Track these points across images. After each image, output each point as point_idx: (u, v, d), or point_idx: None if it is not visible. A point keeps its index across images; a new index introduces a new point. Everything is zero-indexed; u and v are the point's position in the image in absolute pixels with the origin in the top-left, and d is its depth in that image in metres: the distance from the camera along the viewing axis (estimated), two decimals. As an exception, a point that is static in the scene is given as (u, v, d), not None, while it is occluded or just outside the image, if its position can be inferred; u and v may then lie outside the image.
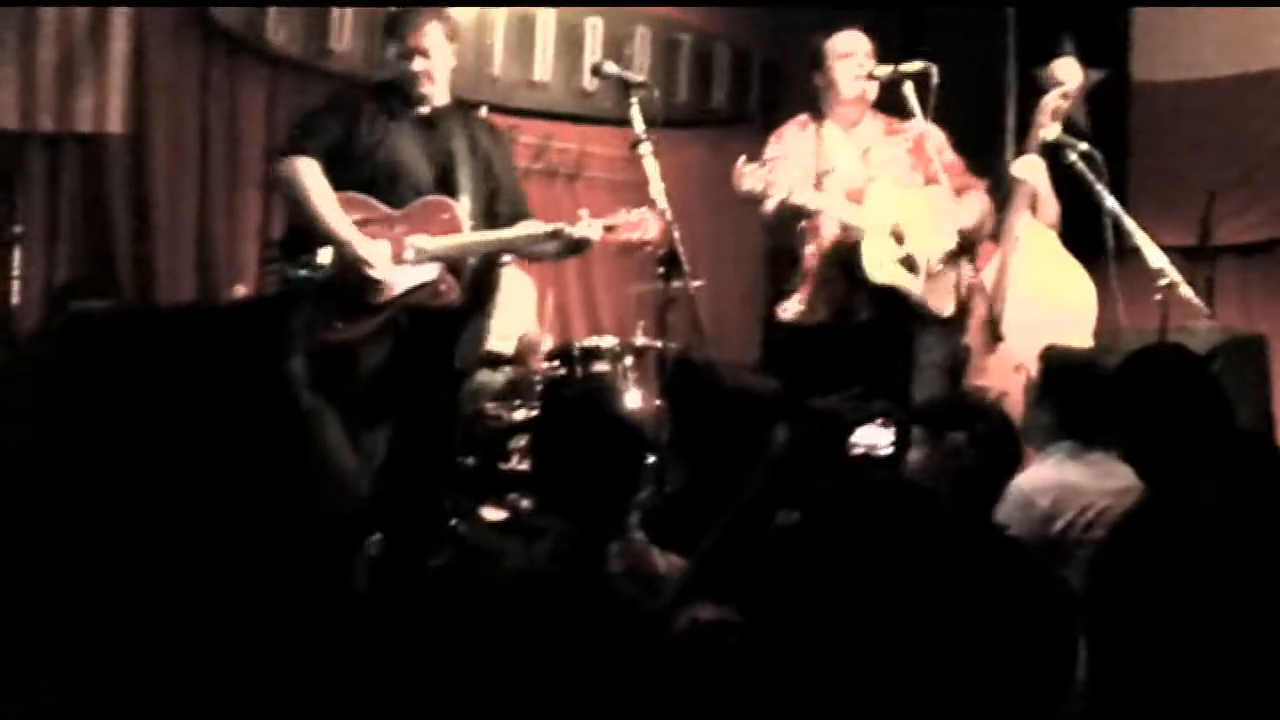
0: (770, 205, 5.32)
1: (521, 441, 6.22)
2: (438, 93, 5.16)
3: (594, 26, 8.29)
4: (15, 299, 6.36)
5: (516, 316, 7.31)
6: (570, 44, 8.24)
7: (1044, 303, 5.89)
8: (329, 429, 1.42)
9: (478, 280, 5.22)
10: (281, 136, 5.68)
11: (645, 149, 5.22)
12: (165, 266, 6.94)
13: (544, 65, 8.18)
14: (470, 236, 5.09)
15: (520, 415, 6.35)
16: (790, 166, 5.54)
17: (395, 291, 4.98)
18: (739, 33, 8.96)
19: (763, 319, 5.79)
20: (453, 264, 5.09)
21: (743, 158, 5.30)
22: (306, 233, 4.98)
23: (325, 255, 4.92)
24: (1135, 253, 5.56)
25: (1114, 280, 5.79)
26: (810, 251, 5.59)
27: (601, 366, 6.58)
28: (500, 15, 7.98)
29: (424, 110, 5.16)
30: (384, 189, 5.05)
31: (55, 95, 6.74)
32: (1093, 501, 3.87)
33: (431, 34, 5.10)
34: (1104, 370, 4.34)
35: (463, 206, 5.08)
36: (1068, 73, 5.95)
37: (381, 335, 4.99)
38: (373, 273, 4.92)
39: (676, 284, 5.47)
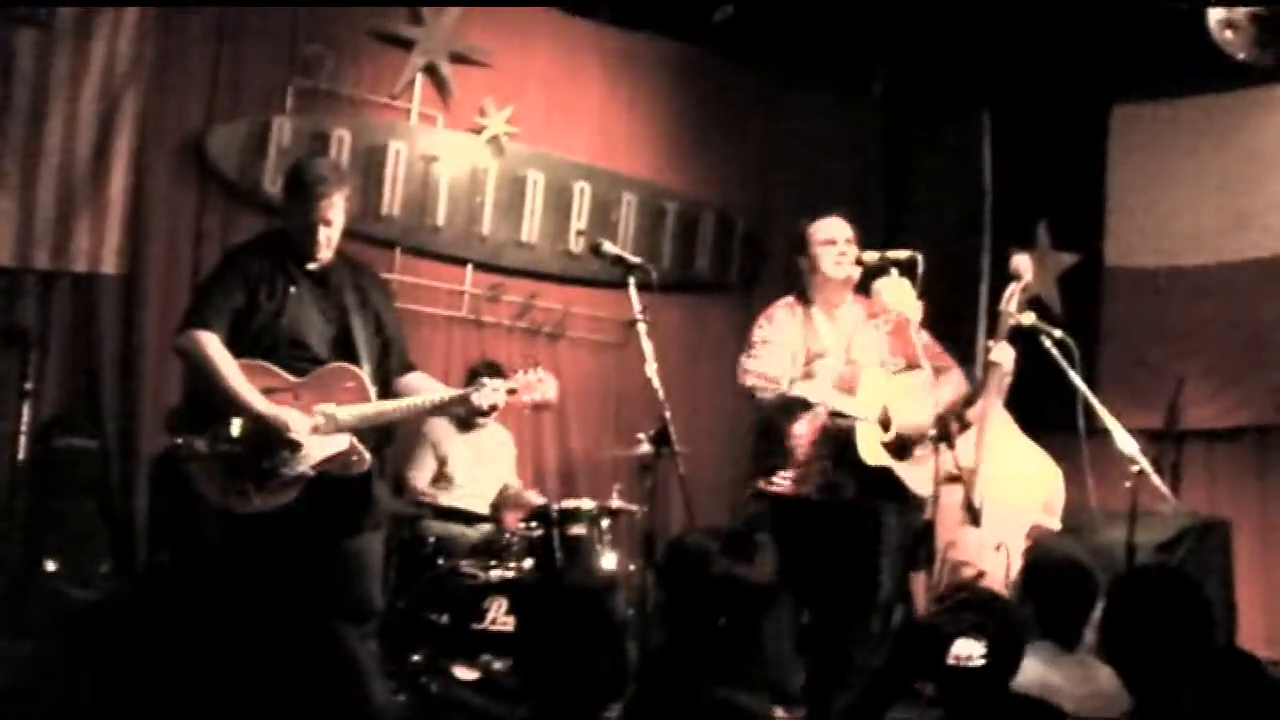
0: (769, 396, 5.41)
1: (496, 601, 6.20)
2: (328, 254, 5.18)
3: (582, 190, 8.46)
4: (22, 453, 6.35)
5: (492, 470, 7.37)
6: (558, 206, 8.41)
7: (1016, 483, 6.00)
8: (370, 674, 1.49)
9: (380, 442, 5.26)
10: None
11: (642, 328, 5.30)
12: (151, 408, 6.97)
13: (532, 226, 8.33)
14: (380, 405, 5.10)
15: (496, 575, 6.34)
16: (781, 350, 5.65)
17: (311, 461, 4.97)
18: (723, 200, 9.14)
19: (753, 491, 5.83)
20: (359, 431, 5.10)
21: (744, 358, 5.41)
22: (207, 403, 4.95)
23: (236, 427, 4.89)
24: (1105, 433, 5.69)
25: (1086, 462, 5.89)
26: (799, 431, 5.67)
27: (579, 529, 6.61)
28: (491, 176, 8.15)
29: (314, 266, 5.17)
30: (286, 355, 5.04)
31: (53, 233, 6.84)
32: (1068, 706, 3.90)
33: (336, 205, 5.12)
34: (1086, 572, 4.42)
35: (365, 371, 5.10)
36: (1024, 266, 6.11)
37: (298, 506, 4.95)
38: (295, 436, 4.91)
39: (658, 453, 5.54)
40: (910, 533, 5.80)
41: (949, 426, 5.44)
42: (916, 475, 5.64)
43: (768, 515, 5.67)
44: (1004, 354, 5.94)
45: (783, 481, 5.69)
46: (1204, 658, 3.21)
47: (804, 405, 5.46)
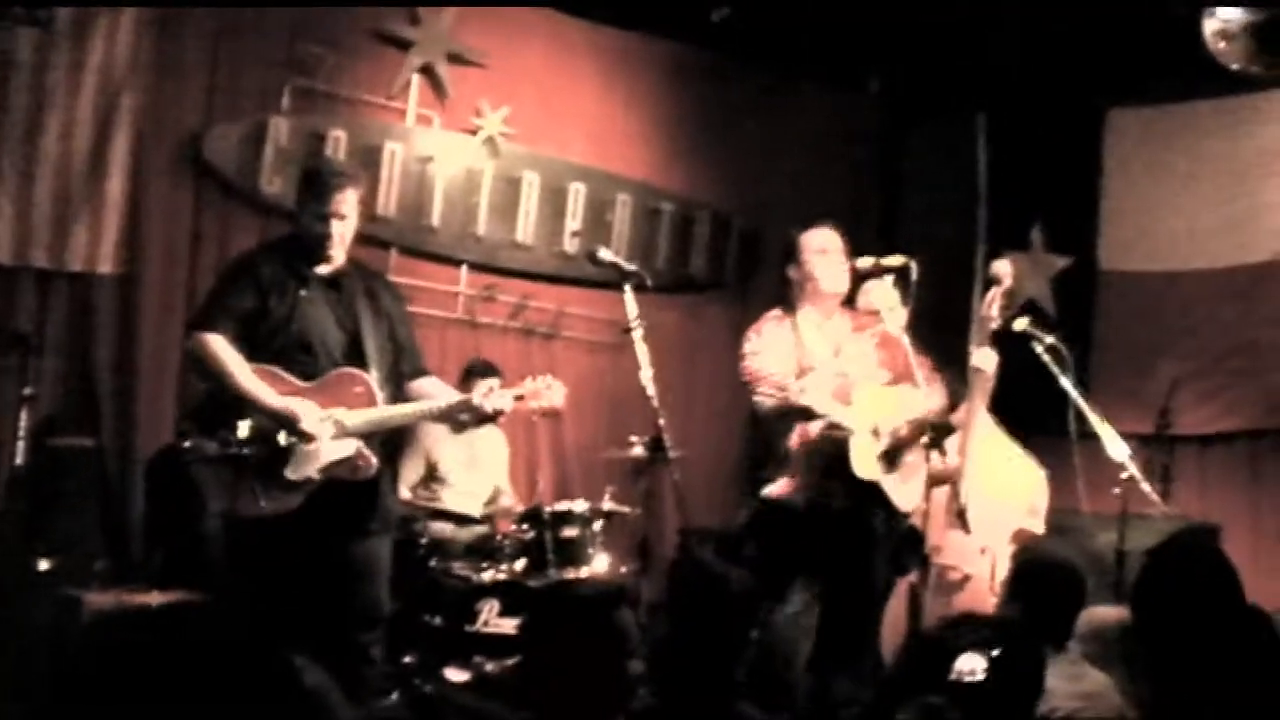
0: (770, 402, 5.44)
1: (488, 603, 6.23)
2: (340, 254, 5.23)
3: (577, 191, 8.48)
4: (20, 458, 6.37)
5: (485, 473, 7.39)
6: (554, 207, 8.42)
7: (1001, 487, 6.05)
8: (333, 707, 1.52)
9: (389, 447, 5.28)
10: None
11: (637, 335, 5.32)
12: (146, 407, 7.01)
13: (527, 226, 8.34)
14: (387, 411, 5.14)
15: (488, 576, 6.37)
16: (772, 361, 5.67)
17: (316, 467, 5.01)
18: (718, 200, 9.15)
19: (751, 498, 5.86)
20: (367, 436, 5.13)
21: (746, 361, 5.46)
22: (217, 405, 4.99)
23: (244, 429, 4.94)
24: (1097, 437, 5.73)
25: (1077, 466, 5.93)
26: (794, 441, 5.69)
27: (571, 531, 6.64)
28: (487, 177, 8.17)
29: (327, 270, 5.22)
30: (295, 359, 5.09)
31: (50, 233, 6.86)
32: (1061, 705, 3.93)
33: (349, 200, 5.18)
34: (1074, 573, 4.46)
35: (374, 377, 5.13)
36: (1004, 271, 6.13)
37: (304, 510, 4.99)
38: (306, 425, 4.95)
39: (652, 458, 5.57)
40: (895, 539, 5.84)
41: (940, 434, 5.46)
42: (903, 490, 5.66)
43: (762, 523, 5.70)
44: (986, 359, 5.97)
45: (778, 490, 5.71)
46: (1233, 622, 3.20)
47: (805, 415, 5.49)
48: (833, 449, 5.57)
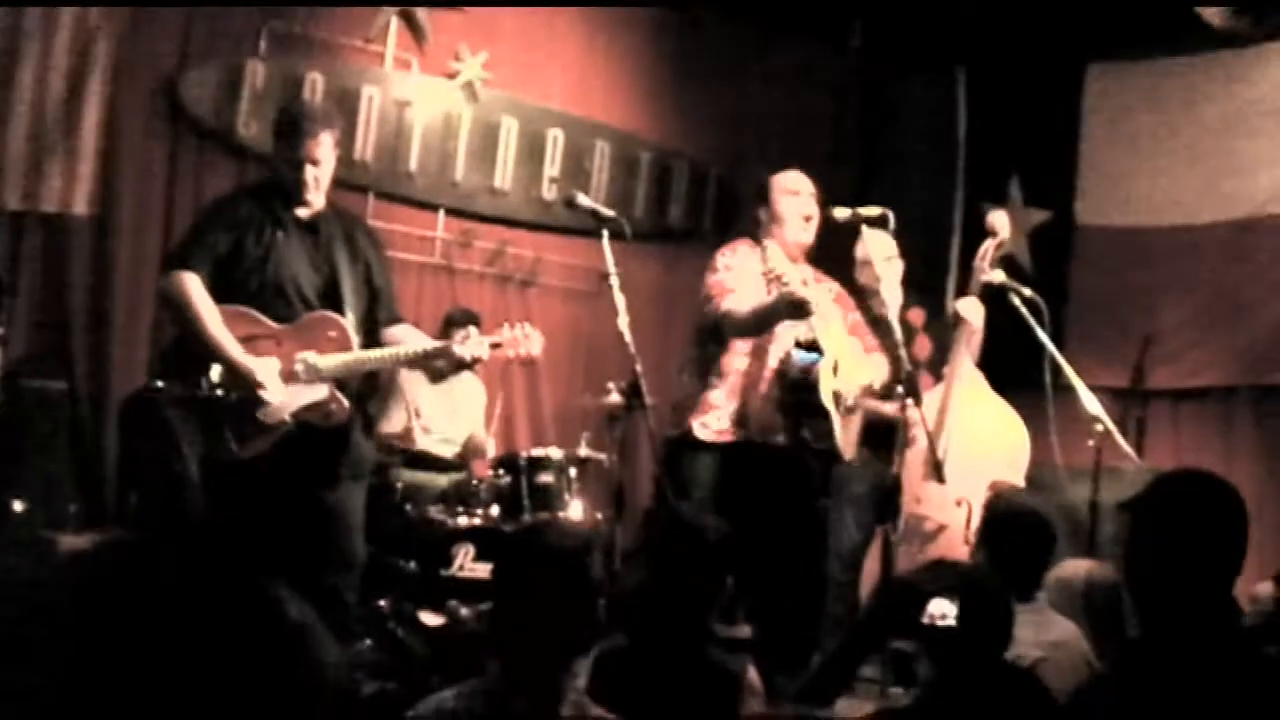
0: (742, 311, 5.41)
1: (463, 548, 6.24)
2: (318, 198, 5.21)
3: (555, 138, 8.45)
4: (-2, 396, 6.36)
5: (464, 420, 7.39)
6: (532, 154, 8.40)
7: (981, 439, 6.04)
8: (318, 640, 1.51)
9: (363, 392, 5.26)
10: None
11: (614, 282, 5.31)
12: (121, 350, 6.98)
13: (505, 173, 8.31)
14: (361, 355, 5.12)
15: (463, 521, 6.38)
16: (743, 275, 5.66)
17: (288, 411, 4.99)
18: (697, 150, 9.14)
19: (671, 435, 5.81)
20: (341, 380, 5.13)
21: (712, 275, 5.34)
22: (190, 348, 4.97)
23: (215, 373, 4.92)
24: (1071, 391, 5.75)
25: (1051, 419, 5.95)
26: (739, 367, 5.67)
27: (547, 477, 6.65)
28: (465, 122, 8.14)
29: (305, 213, 5.20)
30: (271, 301, 5.07)
31: (24, 174, 6.81)
32: (1027, 653, 3.95)
33: (324, 144, 5.15)
34: (1043, 522, 4.48)
35: (349, 321, 5.12)
36: (1000, 223, 6.14)
37: (276, 454, 4.98)
38: (265, 394, 4.94)
39: (629, 405, 5.57)
40: (882, 486, 5.84)
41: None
42: (846, 434, 5.68)
43: (696, 465, 5.65)
44: (972, 310, 5.98)
45: (715, 423, 5.67)
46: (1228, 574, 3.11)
47: (804, 313, 5.42)
48: (803, 375, 5.52)
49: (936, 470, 5.65)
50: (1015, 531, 4.46)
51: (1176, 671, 2.88)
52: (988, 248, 6.05)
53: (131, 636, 1.41)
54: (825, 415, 5.58)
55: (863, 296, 5.81)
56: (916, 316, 6.49)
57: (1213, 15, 6.83)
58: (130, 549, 1.51)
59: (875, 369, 5.80)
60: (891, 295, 6.22)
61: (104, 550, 1.53)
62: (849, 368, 5.67)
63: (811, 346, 5.54)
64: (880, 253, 5.65)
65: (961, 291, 6.27)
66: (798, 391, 5.57)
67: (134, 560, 1.49)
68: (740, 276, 5.69)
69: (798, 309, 5.33)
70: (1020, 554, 4.35)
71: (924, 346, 6.42)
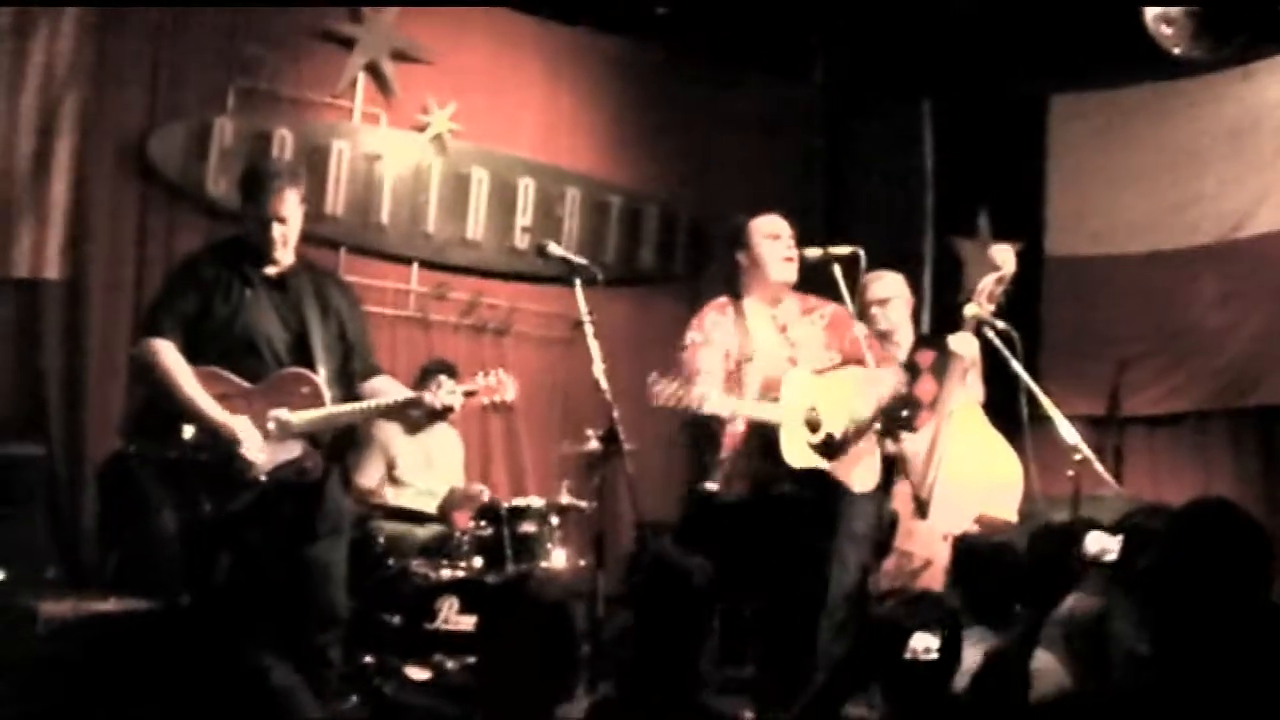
0: (686, 414, 5.40)
1: (447, 601, 6.21)
2: (286, 255, 5.19)
3: (526, 186, 8.47)
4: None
5: (441, 472, 7.36)
6: (503, 203, 8.41)
7: (973, 475, 6.05)
8: (301, 706, 1.51)
9: (338, 446, 5.24)
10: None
11: (589, 329, 5.30)
12: (95, 413, 6.93)
13: (477, 223, 8.33)
14: (333, 410, 5.10)
15: (447, 574, 6.34)
16: (712, 353, 5.62)
17: (263, 469, 4.96)
18: (667, 194, 9.16)
19: (685, 492, 5.83)
20: (314, 436, 5.11)
21: (654, 374, 5.28)
22: (162, 410, 4.93)
23: (188, 432, 4.89)
24: (1048, 420, 5.77)
25: (1029, 450, 5.97)
26: (732, 430, 5.65)
27: (529, 526, 6.63)
28: (435, 174, 8.15)
29: (273, 270, 5.18)
30: (240, 360, 5.04)
31: (-6, 238, 6.78)
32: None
33: (290, 201, 5.14)
34: (1012, 557, 4.49)
35: (321, 377, 5.10)
36: (1005, 258, 6.15)
37: (252, 513, 4.95)
38: (245, 451, 4.89)
39: (606, 451, 5.56)
40: (882, 522, 5.82)
41: (898, 417, 5.45)
42: (858, 473, 5.65)
43: (702, 517, 5.66)
44: (965, 345, 5.98)
45: (713, 485, 5.67)
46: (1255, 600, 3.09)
47: (721, 421, 5.45)
48: (765, 441, 5.50)
49: (919, 506, 5.66)
50: (985, 567, 4.47)
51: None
52: (988, 283, 6.05)
53: (115, 710, 1.40)
54: (790, 474, 5.55)
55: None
56: (925, 358, 6.48)
57: (1172, 42, 6.88)
58: (113, 621, 1.50)
59: (884, 383, 5.74)
60: (904, 336, 6.26)
61: (87, 622, 1.53)
62: (841, 399, 5.61)
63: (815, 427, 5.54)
64: (893, 292, 5.65)
65: (937, 326, 6.29)
66: (765, 455, 5.56)
67: (118, 633, 1.49)
68: (705, 353, 5.66)
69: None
70: (992, 589, 4.36)
71: (929, 388, 6.39)
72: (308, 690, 1.52)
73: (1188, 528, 3.13)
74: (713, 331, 5.70)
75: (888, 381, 5.75)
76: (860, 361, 5.62)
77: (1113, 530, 3.19)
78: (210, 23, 7.50)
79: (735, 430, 5.58)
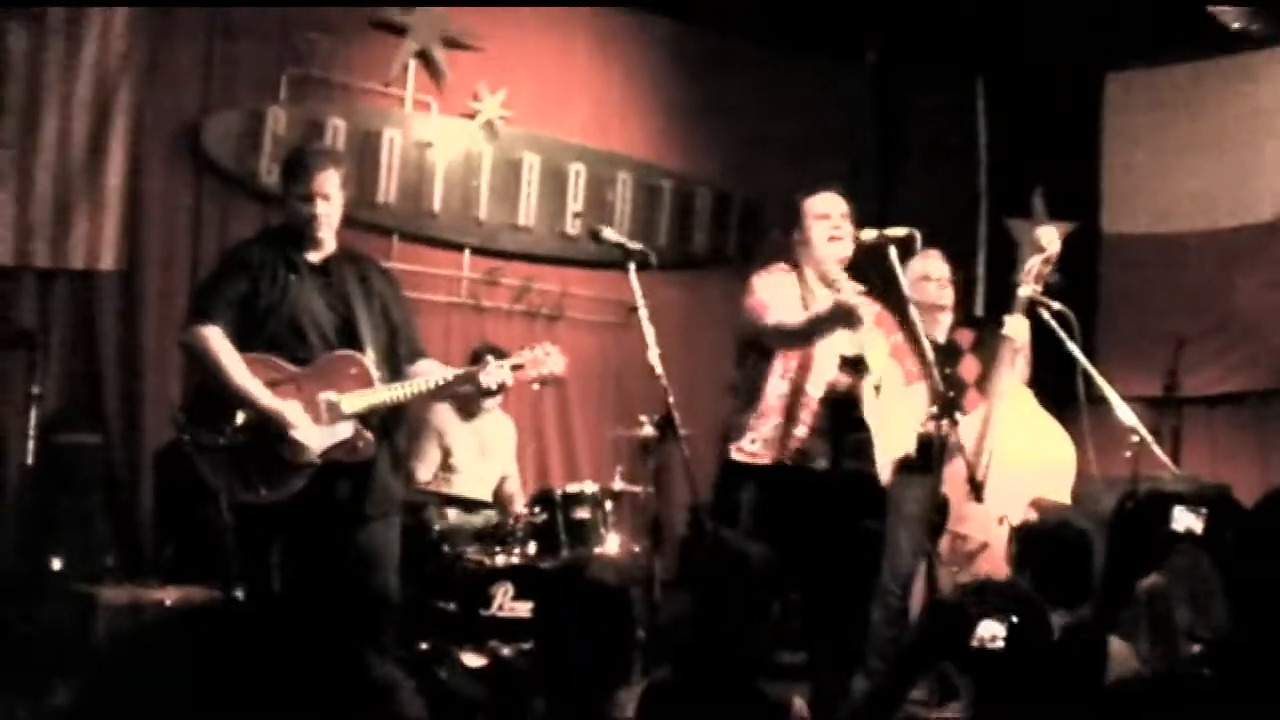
0: (790, 322, 5.37)
1: (502, 587, 6.22)
2: (329, 238, 5.21)
3: (577, 172, 8.47)
4: (30, 458, 6.40)
5: (495, 459, 7.38)
6: (554, 189, 8.42)
7: (1025, 457, 5.99)
8: (406, 698, 1.50)
9: (389, 428, 5.25)
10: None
11: (643, 314, 5.29)
12: (153, 402, 6.99)
13: (528, 209, 8.33)
14: (383, 391, 5.10)
15: (501, 560, 6.36)
16: (781, 297, 5.62)
17: (315, 452, 4.98)
18: (719, 177, 9.15)
19: (720, 457, 5.76)
20: (364, 417, 5.11)
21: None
22: (214, 397, 4.96)
23: (240, 418, 4.92)
24: (1105, 402, 5.72)
25: (1086, 431, 5.91)
26: (779, 390, 5.64)
27: (583, 512, 6.63)
28: (486, 160, 8.16)
29: (316, 257, 5.19)
30: (289, 344, 5.05)
31: (50, 230, 6.84)
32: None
33: (331, 179, 5.14)
34: (1079, 532, 4.45)
35: (369, 359, 5.11)
36: (1050, 239, 6.09)
37: (305, 496, 4.97)
38: (297, 435, 4.93)
39: (661, 436, 5.54)
40: (933, 504, 5.79)
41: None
42: (884, 455, 5.64)
43: (746, 487, 5.60)
44: (1017, 327, 5.93)
45: (749, 446, 5.61)
46: None
47: (838, 321, 5.36)
48: (840, 399, 5.47)
49: (975, 489, 5.61)
50: (1051, 547, 4.44)
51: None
52: (1034, 264, 5.99)
53: (222, 701, 1.40)
54: (867, 433, 5.54)
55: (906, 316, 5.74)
56: (965, 337, 6.44)
57: (1228, 17, 6.80)
58: (218, 612, 1.50)
59: (915, 402, 5.71)
60: (944, 315, 6.23)
61: (193, 612, 1.52)
62: (891, 389, 5.60)
63: (857, 363, 5.51)
64: (938, 273, 5.61)
65: (991, 307, 6.25)
66: (841, 410, 5.53)
67: (223, 623, 1.48)
68: (778, 297, 5.65)
69: (849, 317, 5.29)
70: (1060, 568, 4.32)
71: (972, 367, 6.36)
72: (411, 685, 1.51)
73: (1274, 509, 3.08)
74: (779, 287, 5.68)
75: (922, 398, 5.71)
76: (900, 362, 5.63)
77: (1195, 504, 3.14)
78: (263, 12, 7.53)
79: (796, 383, 5.54)
